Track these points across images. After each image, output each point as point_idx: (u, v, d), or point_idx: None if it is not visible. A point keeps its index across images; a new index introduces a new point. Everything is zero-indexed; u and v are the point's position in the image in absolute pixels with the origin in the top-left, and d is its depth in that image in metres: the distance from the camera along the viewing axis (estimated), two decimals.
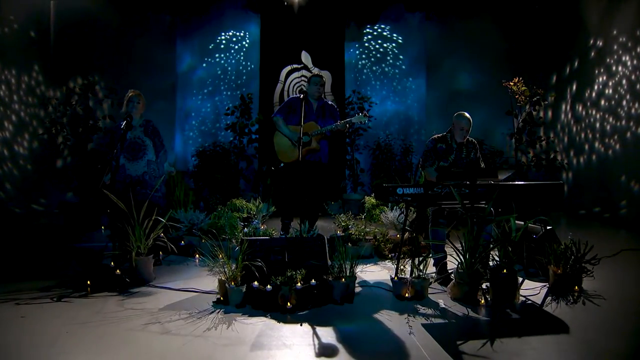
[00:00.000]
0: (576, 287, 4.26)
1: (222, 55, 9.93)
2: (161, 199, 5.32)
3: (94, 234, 6.54)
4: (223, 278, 4.06)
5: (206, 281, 4.58)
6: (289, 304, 3.84)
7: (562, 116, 9.22)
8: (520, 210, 4.62)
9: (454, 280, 4.17)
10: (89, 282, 4.38)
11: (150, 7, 9.32)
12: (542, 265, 4.49)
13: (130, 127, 5.12)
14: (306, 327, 3.53)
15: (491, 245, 4.25)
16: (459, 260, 4.12)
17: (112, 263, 4.61)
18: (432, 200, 4.31)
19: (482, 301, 4.00)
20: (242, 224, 5.56)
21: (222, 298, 4.05)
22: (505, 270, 4.04)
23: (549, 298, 4.11)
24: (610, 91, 7.94)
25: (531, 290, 4.31)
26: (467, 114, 4.92)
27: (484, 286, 4.14)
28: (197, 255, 5.39)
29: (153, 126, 5.38)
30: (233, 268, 4.06)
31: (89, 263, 4.72)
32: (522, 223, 4.63)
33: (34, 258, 5.60)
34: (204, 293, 4.31)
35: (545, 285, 4.40)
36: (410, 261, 4.31)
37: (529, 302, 4.06)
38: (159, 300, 4.12)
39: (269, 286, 3.92)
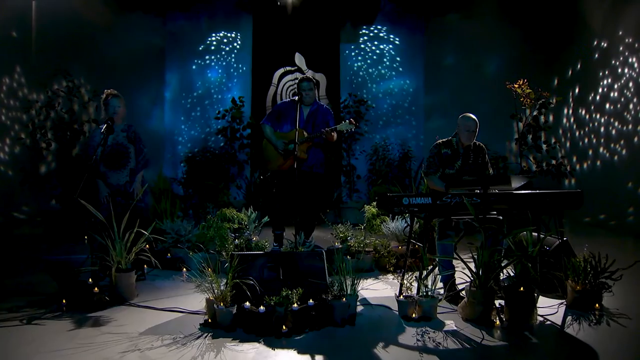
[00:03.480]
0: (597, 305, 3.93)
1: (213, 57, 9.66)
2: (144, 209, 4.93)
3: (75, 245, 6.13)
4: (211, 297, 3.68)
5: (193, 299, 4.20)
6: (284, 327, 3.46)
7: (564, 120, 8.93)
8: (535, 221, 4.28)
9: (465, 299, 3.81)
10: (64, 301, 4.01)
11: (138, 6, 8.97)
12: (559, 280, 4.14)
13: (112, 131, 4.75)
14: (303, 354, 3.16)
15: (507, 261, 3.88)
16: (472, 278, 3.77)
17: (90, 279, 4.21)
18: (442, 211, 3.95)
19: (497, 322, 3.64)
20: (232, 235, 5.18)
21: (210, 320, 3.67)
22: (522, 288, 3.69)
23: (569, 318, 3.77)
24: (616, 94, 7.65)
25: (548, 308, 3.97)
26: (472, 115, 4.58)
27: (497, 304, 3.79)
28: (184, 270, 5.02)
29: (135, 131, 5.03)
30: (222, 286, 3.68)
31: (65, 279, 4.29)
32: (536, 235, 4.32)
33: (6, 272, 5.18)
34: (190, 314, 3.92)
35: (562, 303, 4.06)
36: (414, 276, 3.97)
37: (548, 322, 3.71)
38: (141, 322, 3.74)
39: (262, 307, 3.54)
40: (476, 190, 4.02)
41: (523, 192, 4.13)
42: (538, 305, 3.79)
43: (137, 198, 4.82)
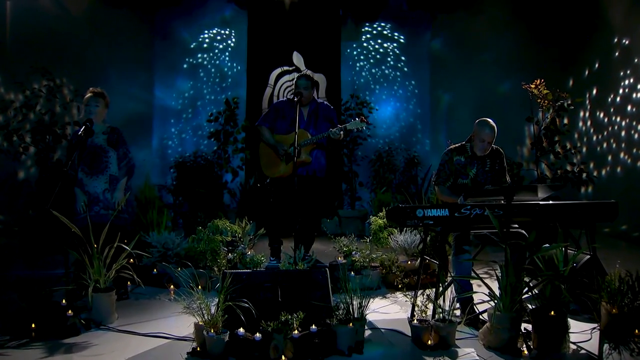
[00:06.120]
0: (637, 331, 3.47)
1: (205, 56, 9.29)
2: (127, 220, 4.48)
3: (53, 259, 5.65)
4: (200, 322, 3.24)
5: (181, 322, 3.72)
6: (283, 357, 3.05)
7: (581, 124, 8.50)
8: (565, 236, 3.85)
9: (488, 324, 3.36)
10: (33, 325, 3.56)
11: (125, 1, 8.56)
12: (593, 302, 3.69)
13: (91, 133, 4.31)
14: None
15: (536, 281, 3.44)
16: (495, 300, 3.33)
17: (63, 300, 3.74)
18: (460, 224, 3.51)
19: (525, 351, 3.20)
20: (225, 249, 4.73)
21: (199, 348, 3.24)
22: (553, 312, 3.25)
23: (606, 346, 3.31)
24: (639, 95, 7.22)
25: (579, 334, 3.54)
26: (491, 123, 4.13)
27: (522, 328, 3.35)
28: (171, 287, 4.56)
29: (119, 134, 4.59)
30: (213, 308, 3.24)
31: (35, 299, 3.81)
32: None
33: None
34: (177, 340, 3.49)
35: (596, 328, 3.61)
36: (427, 296, 3.54)
37: (583, 351, 3.28)
38: (120, 350, 3.30)
39: (258, 334, 3.12)
40: (501, 201, 3.58)
41: (551, 202, 3.69)
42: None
43: (118, 208, 4.37)
